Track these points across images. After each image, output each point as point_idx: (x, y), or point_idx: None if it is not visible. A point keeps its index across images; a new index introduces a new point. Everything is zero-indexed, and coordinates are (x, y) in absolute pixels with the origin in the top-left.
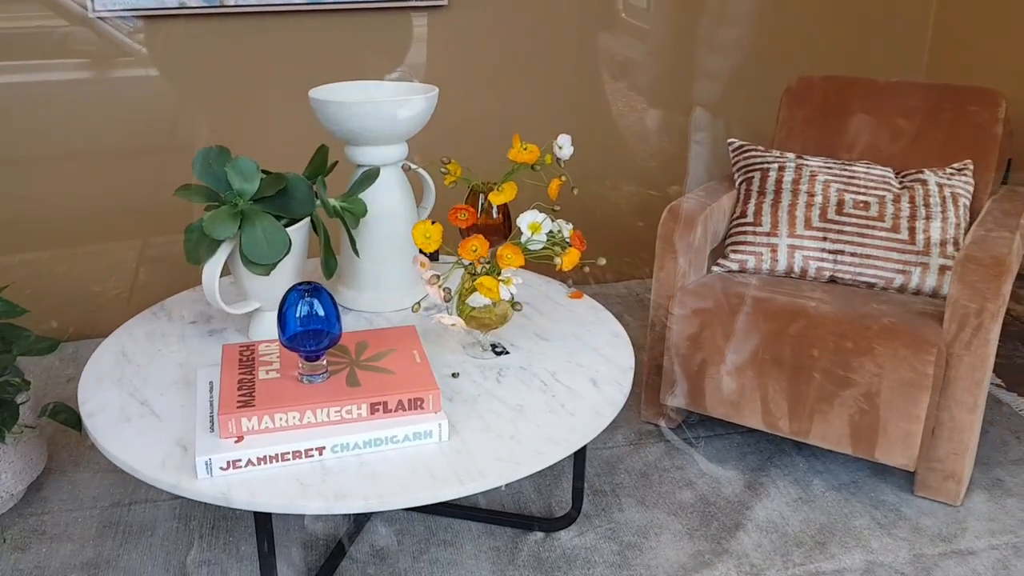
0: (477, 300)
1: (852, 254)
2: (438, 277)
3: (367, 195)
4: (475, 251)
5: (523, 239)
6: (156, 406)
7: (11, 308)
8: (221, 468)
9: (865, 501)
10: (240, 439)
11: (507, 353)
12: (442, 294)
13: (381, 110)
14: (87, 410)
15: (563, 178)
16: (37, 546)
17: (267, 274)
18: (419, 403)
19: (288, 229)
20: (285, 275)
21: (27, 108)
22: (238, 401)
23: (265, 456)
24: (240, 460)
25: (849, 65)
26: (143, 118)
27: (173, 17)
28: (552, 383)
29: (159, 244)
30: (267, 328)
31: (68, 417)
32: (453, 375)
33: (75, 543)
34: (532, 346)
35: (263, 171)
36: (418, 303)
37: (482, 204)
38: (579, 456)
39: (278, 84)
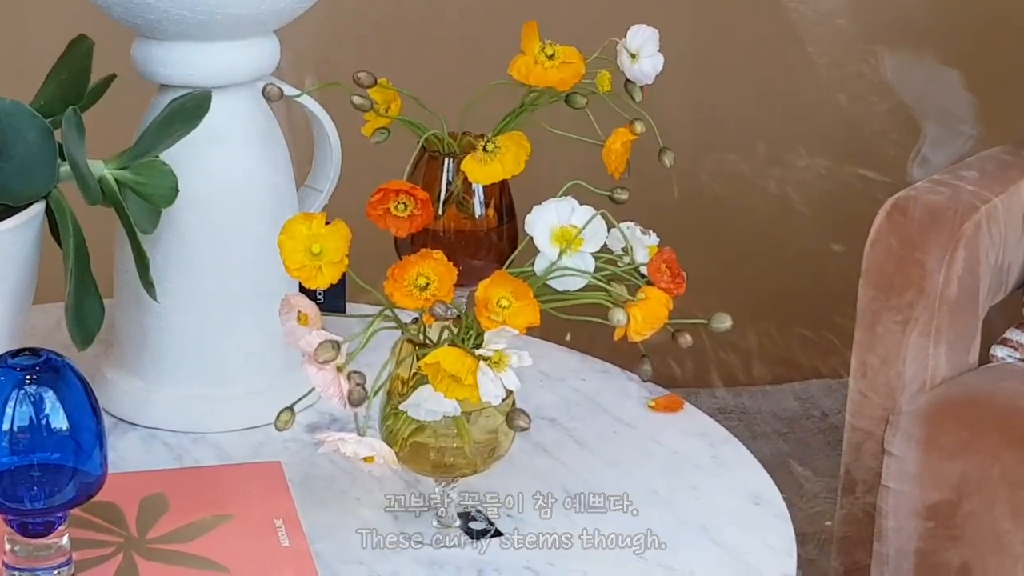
0: (428, 405)
1: None
2: (337, 348)
3: (180, 155)
4: (424, 287)
5: (538, 264)
6: None
7: None
8: None
9: None
10: None
11: (496, 532)
12: (345, 389)
13: None
14: None
15: (638, 126)
16: None
17: None
18: None
19: None
20: None
21: None
22: None
23: None
24: None
25: None
26: None
27: None
28: None
29: None
30: None
31: None
32: None
33: None
34: (558, 519)
35: None
36: (289, 410)
37: (447, 181)
38: None
39: None
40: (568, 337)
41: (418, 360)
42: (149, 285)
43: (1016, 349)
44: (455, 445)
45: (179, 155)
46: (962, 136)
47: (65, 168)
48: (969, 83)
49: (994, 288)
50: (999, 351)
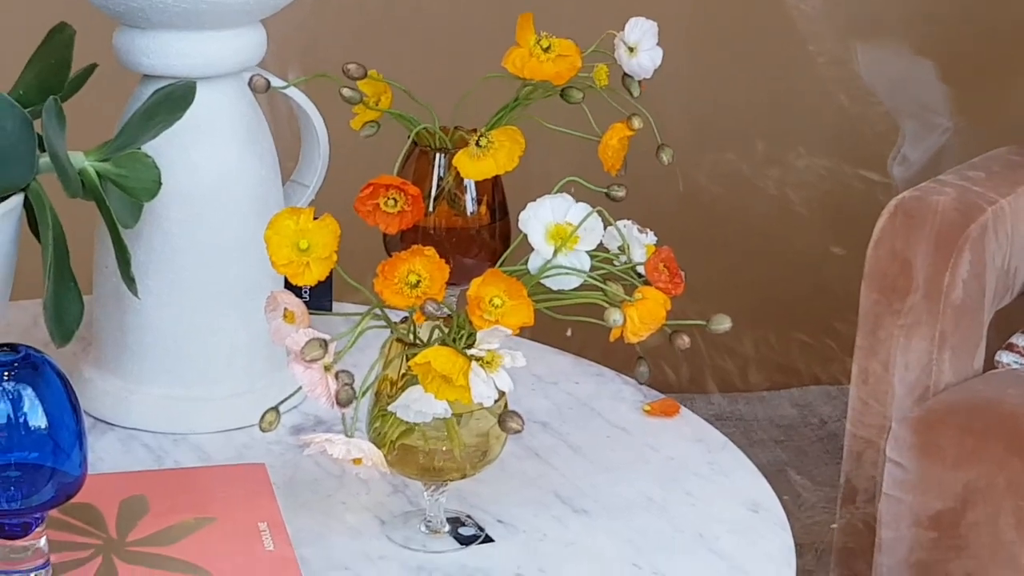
0: (418, 406)
1: None
2: (324, 346)
3: (163, 147)
4: (415, 285)
5: (532, 262)
6: None
7: None
8: None
9: None
10: None
11: (486, 539)
12: (333, 389)
13: None
14: None
15: (636, 122)
16: None
17: None
18: None
19: None
20: None
21: None
22: None
23: None
24: None
25: None
26: None
27: None
28: None
29: None
30: None
31: None
32: None
33: None
34: (550, 526)
35: None
36: (275, 411)
37: (439, 177)
38: None
39: None
40: (569, 333)
41: (408, 360)
42: (130, 281)
43: (1023, 355)
44: (445, 448)
45: (162, 147)
46: (938, 129)
47: (45, 160)
48: (944, 74)
49: (1000, 292)
50: (1005, 357)
